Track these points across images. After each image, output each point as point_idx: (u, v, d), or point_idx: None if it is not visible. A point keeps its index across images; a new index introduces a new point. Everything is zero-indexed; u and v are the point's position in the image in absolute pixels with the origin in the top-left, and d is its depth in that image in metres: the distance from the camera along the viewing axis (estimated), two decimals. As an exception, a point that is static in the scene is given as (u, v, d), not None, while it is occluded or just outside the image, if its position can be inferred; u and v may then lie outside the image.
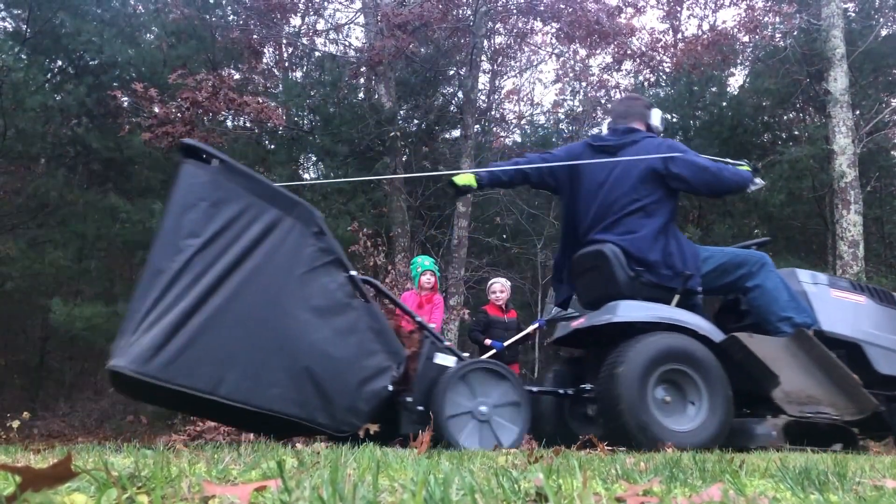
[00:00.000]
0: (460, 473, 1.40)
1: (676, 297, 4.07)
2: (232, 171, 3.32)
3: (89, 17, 12.27)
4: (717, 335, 3.98)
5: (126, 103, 12.13)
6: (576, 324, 4.22)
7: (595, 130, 19.12)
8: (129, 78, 12.12)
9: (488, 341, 6.76)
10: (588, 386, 4.07)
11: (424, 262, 6.91)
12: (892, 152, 14.24)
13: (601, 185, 4.24)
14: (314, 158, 13.76)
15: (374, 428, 3.32)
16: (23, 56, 11.91)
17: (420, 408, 3.53)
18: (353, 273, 3.47)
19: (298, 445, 3.21)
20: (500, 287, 7.20)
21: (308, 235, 3.45)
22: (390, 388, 3.35)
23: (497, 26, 14.81)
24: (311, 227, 3.46)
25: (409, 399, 3.55)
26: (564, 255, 4.54)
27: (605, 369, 3.77)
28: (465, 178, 4.30)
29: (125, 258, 14.49)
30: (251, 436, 4.78)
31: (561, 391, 4.19)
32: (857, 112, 11.96)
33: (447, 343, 3.79)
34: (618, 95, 18.39)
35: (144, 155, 12.05)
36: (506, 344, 6.68)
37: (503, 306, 7.10)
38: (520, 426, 3.57)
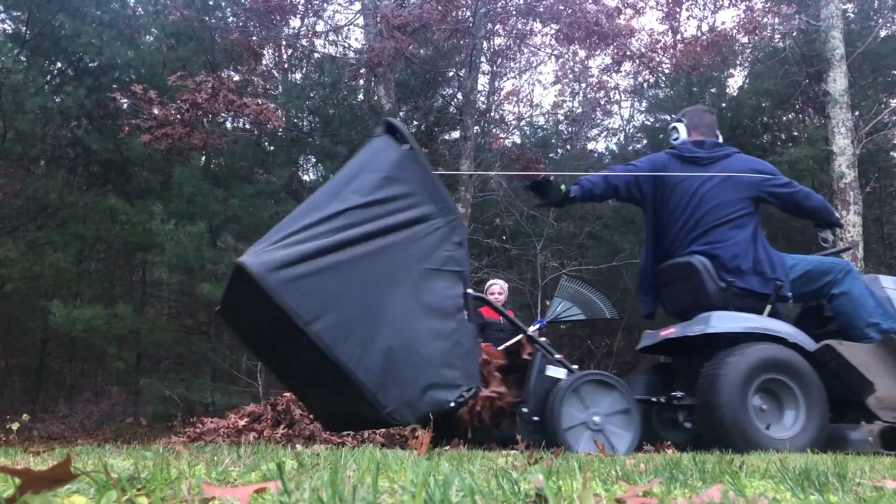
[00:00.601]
0: (460, 475, 1.40)
1: (769, 307, 4.20)
2: (415, 161, 3.73)
3: (89, 18, 12.28)
4: (809, 344, 4.10)
5: (126, 105, 12.14)
6: (665, 333, 4.32)
7: (595, 132, 19.17)
8: (129, 80, 12.13)
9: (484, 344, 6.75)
10: (679, 394, 4.17)
11: None
12: (891, 153, 14.25)
13: (692, 198, 4.36)
14: (314, 160, 13.76)
15: (419, 430, 3.46)
16: (22, 58, 11.91)
17: (535, 418, 3.73)
18: (469, 292, 3.65)
19: (298, 447, 3.21)
20: (498, 289, 7.15)
21: (449, 241, 3.71)
22: (452, 404, 3.43)
23: (496, 28, 14.83)
24: (455, 236, 3.73)
25: (524, 410, 3.75)
26: (650, 266, 4.66)
27: (705, 378, 3.89)
28: (557, 187, 4.40)
29: (125, 260, 14.50)
30: (251, 437, 4.78)
31: (653, 399, 4.29)
32: (857, 113, 11.97)
33: (558, 356, 3.94)
34: (617, 96, 18.43)
35: (144, 157, 12.06)
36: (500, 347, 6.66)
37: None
38: (632, 432, 3.71)
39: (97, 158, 12.98)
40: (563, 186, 4.40)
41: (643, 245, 4.82)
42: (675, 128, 4.73)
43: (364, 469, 1.63)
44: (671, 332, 4.26)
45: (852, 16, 13.06)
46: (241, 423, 5.32)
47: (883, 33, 12.85)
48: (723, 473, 1.80)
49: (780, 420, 3.91)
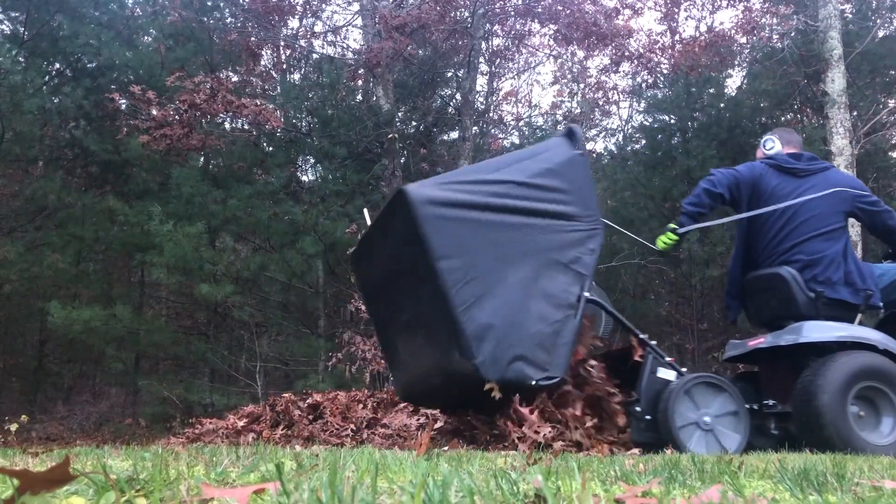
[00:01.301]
0: (459, 475, 1.40)
1: (859, 316, 4.34)
2: (581, 166, 4.21)
3: (87, 19, 12.28)
4: None
5: (124, 106, 12.14)
6: (754, 343, 4.40)
7: (594, 132, 19.18)
8: (127, 80, 12.13)
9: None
10: (771, 402, 4.28)
11: None
12: (889, 153, 14.26)
13: (787, 208, 4.50)
14: (312, 160, 13.76)
15: (496, 392, 3.59)
16: (20, 59, 11.91)
17: (647, 417, 3.94)
18: (586, 294, 3.94)
19: (297, 448, 3.21)
20: None
21: (584, 245, 4.07)
22: (534, 383, 3.67)
23: (495, 28, 14.83)
24: (591, 243, 4.07)
25: (637, 409, 3.94)
26: (739, 273, 4.76)
27: (803, 387, 4.00)
28: (665, 238, 4.60)
29: (123, 261, 14.50)
30: (250, 438, 4.78)
31: (746, 406, 4.37)
32: (855, 113, 11.97)
33: (668, 359, 4.16)
34: (615, 97, 18.44)
35: (142, 157, 12.05)
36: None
37: None
38: (741, 433, 3.90)
39: (95, 159, 12.97)
40: (671, 226, 4.62)
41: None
42: (770, 139, 4.91)
43: (363, 470, 1.63)
44: (761, 341, 4.36)
45: (850, 16, 13.06)
46: (240, 423, 5.32)
47: (881, 34, 12.86)
48: (722, 474, 1.80)
49: (878, 427, 4.03)
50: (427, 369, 4.18)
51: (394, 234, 4.17)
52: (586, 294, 3.93)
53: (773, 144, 4.83)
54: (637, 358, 4.12)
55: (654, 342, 4.22)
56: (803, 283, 4.30)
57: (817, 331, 4.16)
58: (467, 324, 3.63)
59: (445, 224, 3.77)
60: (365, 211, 6.96)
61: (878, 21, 13.03)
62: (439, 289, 3.68)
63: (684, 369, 4.16)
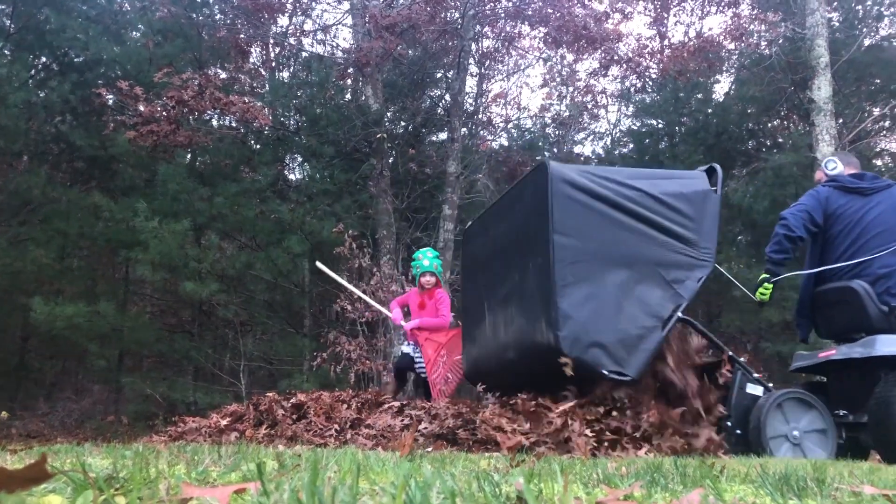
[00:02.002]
0: (442, 477, 1.40)
1: None
2: (713, 203, 4.57)
3: (74, 13, 12.20)
4: None
5: (111, 101, 12.05)
6: (825, 355, 4.53)
7: (582, 135, 19.21)
8: (115, 76, 12.05)
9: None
10: (842, 412, 4.42)
11: (424, 260, 6.66)
12: (873, 161, 14.37)
13: (856, 225, 4.66)
14: (300, 159, 13.72)
15: (568, 369, 3.89)
16: (6, 52, 11.81)
17: (738, 431, 4.15)
18: (679, 315, 4.21)
19: (280, 448, 3.20)
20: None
21: (691, 272, 4.40)
22: (606, 373, 3.93)
23: (485, 30, 14.83)
24: (698, 273, 4.40)
25: (729, 423, 4.16)
26: (810, 292, 4.90)
27: (879, 398, 4.13)
28: (762, 290, 4.75)
29: (108, 257, 14.39)
30: (233, 437, 4.76)
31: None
32: (841, 120, 12.07)
33: (756, 375, 4.36)
34: (604, 100, 18.49)
35: (129, 153, 11.97)
36: None
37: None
38: (827, 451, 4.07)
39: (81, 154, 12.88)
40: (763, 276, 4.79)
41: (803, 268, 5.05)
42: (831, 160, 5.03)
43: (345, 470, 1.63)
44: (832, 353, 4.48)
45: (837, 24, 13.17)
46: (223, 422, 5.29)
47: (867, 42, 12.97)
48: (703, 478, 1.80)
49: None
50: (507, 342, 4.52)
51: (521, 206, 4.54)
52: (679, 314, 4.17)
53: (835, 165, 4.97)
54: (726, 373, 4.31)
55: (742, 358, 4.42)
56: (875, 297, 4.42)
57: (890, 344, 4.27)
58: (561, 299, 3.94)
59: (572, 204, 4.11)
60: (318, 263, 7.72)
61: (865, 30, 13.14)
62: (546, 262, 4.01)
63: (771, 384, 4.36)
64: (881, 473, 2.46)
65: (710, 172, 4.78)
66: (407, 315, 6.83)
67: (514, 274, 4.57)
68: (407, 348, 6.75)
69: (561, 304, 3.94)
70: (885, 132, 14.84)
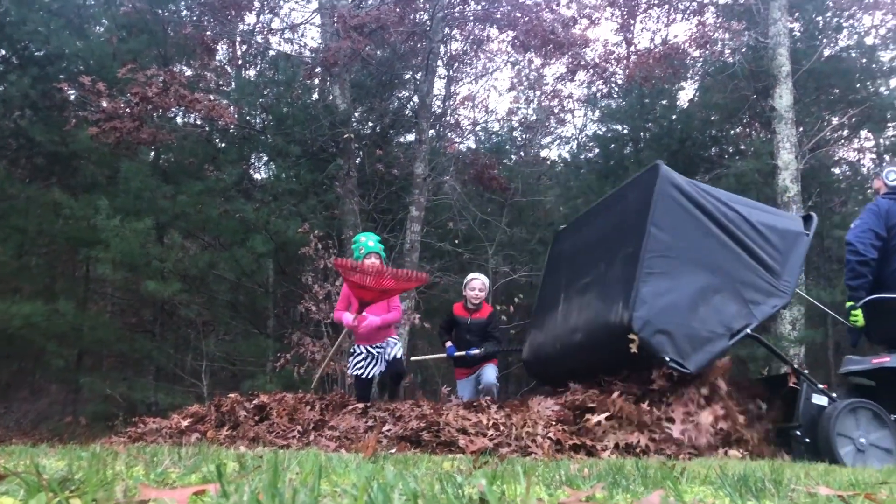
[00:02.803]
0: (404, 478, 1.39)
1: None
2: (802, 244, 4.93)
3: (36, 6, 11.94)
4: None
5: (73, 96, 11.83)
6: (878, 361, 4.77)
7: (548, 139, 19.34)
8: (77, 71, 11.82)
9: (448, 344, 6.53)
10: (894, 416, 4.61)
11: (368, 241, 5.97)
12: (832, 169, 14.67)
13: None
14: (265, 158, 13.60)
15: (634, 346, 4.23)
16: (-36, 44, 11.54)
17: (807, 440, 4.39)
18: (748, 332, 4.57)
19: (242, 449, 3.16)
20: (479, 285, 6.59)
21: (768, 298, 4.68)
22: (668, 359, 4.27)
23: (453, 32, 14.85)
24: (774, 301, 4.72)
25: (797, 433, 4.42)
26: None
27: None
28: (853, 316, 4.98)
29: (68, 255, 14.13)
30: (193, 438, 4.70)
31: None
32: (801, 129, 12.30)
33: (821, 386, 4.61)
34: (570, 105, 18.63)
35: (90, 150, 11.76)
36: (457, 354, 6.44)
37: (474, 306, 6.57)
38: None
39: (41, 150, 12.62)
40: (849, 304, 5.03)
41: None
42: (891, 171, 5.24)
43: (307, 472, 1.61)
44: (886, 360, 4.72)
45: (798, 35, 13.42)
46: (184, 423, 5.22)
47: (827, 52, 13.23)
48: (664, 479, 1.82)
49: None
50: (577, 325, 4.95)
51: (622, 204, 5.01)
52: (748, 331, 4.51)
53: (895, 176, 5.19)
54: (792, 385, 4.57)
55: (806, 371, 4.76)
56: None
57: None
58: (643, 284, 4.32)
59: (674, 205, 4.55)
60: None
61: (825, 41, 13.41)
62: (637, 251, 4.38)
63: (834, 394, 4.61)
64: (836, 475, 2.51)
65: (807, 219, 5.24)
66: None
67: (599, 264, 4.98)
68: (358, 366, 5.85)
69: (642, 289, 4.31)
70: (843, 141, 15.15)
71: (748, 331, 4.52)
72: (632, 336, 4.21)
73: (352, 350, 6.01)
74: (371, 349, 5.83)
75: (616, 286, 4.58)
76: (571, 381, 4.79)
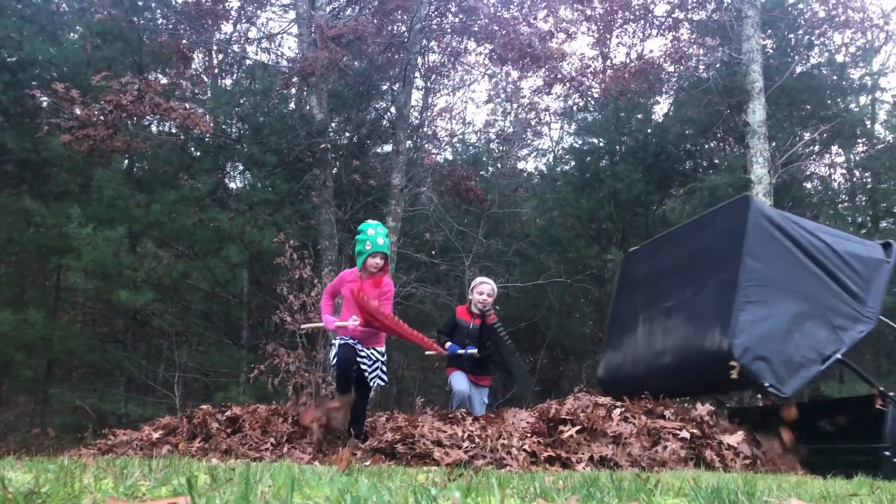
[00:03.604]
0: (378, 491, 1.38)
1: None
2: (884, 271, 5.14)
3: (8, 11, 11.81)
4: None
5: (45, 103, 11.70)
6: None
7: (525, 151, 19.45)
8: (50, 77, 11.70)
9: (448, 344, 6.15)
10: None
11: (377, 238, 5.22)
12: (804, 184, 14.88)
13: None
14: (241, 167, 13.53)
15: (734, 372, 4.45)
16: (-66, 49, 11.37)
17: (895, 460, 4.49)
18: (839, 356, 4.78)
19: (214, 461, 3.13)
20: (489, 290, 6.24)
21: (855, 324, 4.90)
22: (766, 385, 4.53)
23: (431, 44, 14.91)
24: (861, 327, 4.89)
25: (886, 453, 4.52)
26: None
27: None
28: None
29: (38, 264, 13.91)
30: (165, 450, 4.64)
31: None
32: (774, 144, 12.47)
33: None
34: (547, 118, 18.76)
35: (63, 157, 11.62)
36: (460, 352, 6.09)
37: (479, 311, 6.20)
38: None
39: (12, 157, 12.44)
40: None
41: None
42: None
43: (279, 485, 1.59)
44: None
45: (771, 51, 13.63)
46: (156, 435, 5.15)
47: (799, 69, 13.44)
48: (638, 491, 1.82)
49: None
50: (664, 348, 5.14)
51: (709, 232, 5.24)
52: (838, 356, 4.72)
53: None
54: (879, 406, 4.70)
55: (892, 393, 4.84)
56: None
57: None
58: (741, 313, 4.52)
59: (767, 237, 4.77)
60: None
61: (797, 57, 13.62)
62: (732, 279, 4.60)
63: None
64: (808, 486, 2.53)
65: (886, 246, 5.45)
66: (337, 310, 5.55)
67: (685, 289, 5.19)
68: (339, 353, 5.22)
69: (740, 317, 4.51)
70: (814, 156, 15.39)
71: (838, 356, 4.76)
72: (732, 363, 4.45)
73: (333, 342, 5.41)
74: (354, 345, 5.13)
75: (709, 312, 4.82)
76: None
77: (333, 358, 5.23)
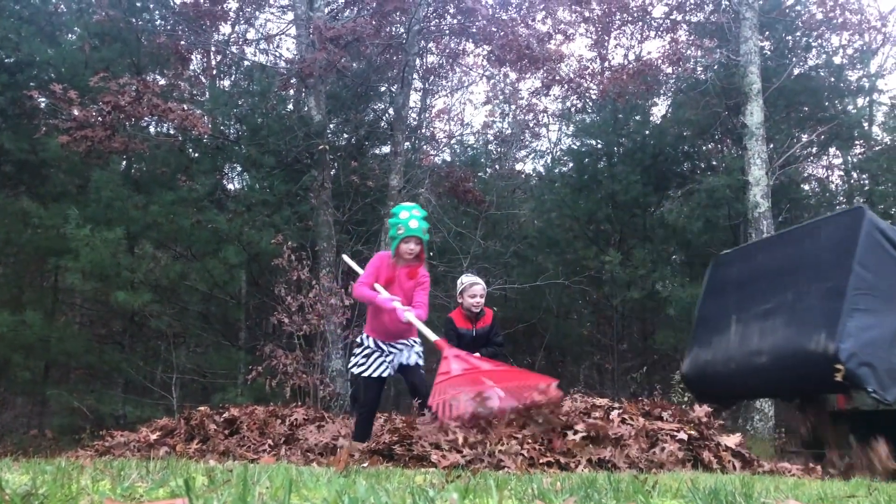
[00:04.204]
0: (375, 492, 1.38)
1: None
2: None
3: (6, 12, 11.80)
4: None
5: (43, 104, 11.69)
6: None
7: (523, 153, 19.47)
8: (48, 78, 11.68)
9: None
10: None
11: (411, 221, 4.74)
12: (801, 185, 14.91)
13: None
14: (239, 168, 13.53)
15: (839, 375, 4.61)
16: (-68, 50, 11.35)
17: None
18: None
19: (212, 462, 3.12)
20: (481, 290, 5.88)
21: None
22: (870, 390, 4.65)
23: (429, 46, 14.92)
24: None
25: None
26: None
27: None
28: None
29: (36, 265, 13.90)
30: (162, 451, 4.63)
31: None
32: (771, 145, 12.49)
33: None
34: (546, 119, 18.78)
35: (61, 158, 11.61)
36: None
37: (474, 314, 5.86)
38: None
39: (10, 158, 12.43)
40: None
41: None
42: None
43: (277, 486, 1.59)
44: None
45: (769, 53, 13.65)
46: (153, 437, 5.15)
47: (796, 71, 13.47)
48: (636, 493, 1.82)
49: None
50: (761, 348, 5.31)
51: (813, 240, 5.45)
52: None
53: None
54: None
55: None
56: None
57: None
58: (848, 319, 4.68)
59: (877, 248, 4.93)
60: (344, 256, 6.09)
61: (794, 59, 13.65)
62: (839, 286, 4.79)
63: None
64: (805, 488, 2.53)
65: None
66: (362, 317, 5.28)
67: (785, 293, 5.36)
68: (360, 362, 4.78)
69: (848, 323, 4.67)
70: (812, 158, 15.42)
71: None
72: (837, 366, 4.60)
73: (358, 340, 4.98)
74: (382, 345, 4.76)
75: (813, 317, 4.99)
76: (745, 400, 5.17)
77: (352, 363, 4.85)
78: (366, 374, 4.72)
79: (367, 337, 4.83)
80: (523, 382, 4.25)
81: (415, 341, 4.87)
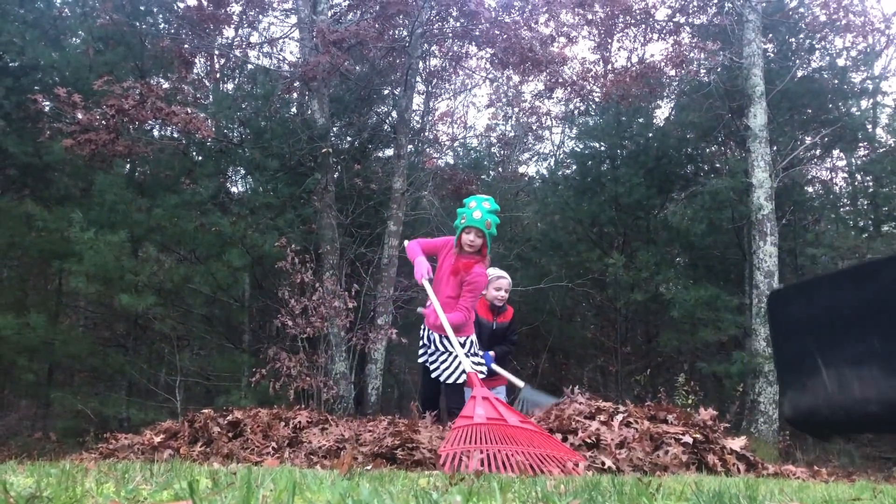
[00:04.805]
0: (379, 495, 1.38)
1: None
2: None
3: (11, 16, 11.84)
4: None
5: (48, 108, 11.72)
6: None
7: (526, 156, 19.48)
8: (52, 82, 11.71)
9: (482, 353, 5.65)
10: None
11: (474, 213, 4.67)
12: (805, 188, 14.88)
13: None
14: (243, 172, 13.55)
15: None
16: (-63, 54, 11.39)
17: None
18: None
19: (216, 465, 3.12)
20: (506, 284, 6.00)
21: None
22: None
23: (433, 48, 14.95)
24: None
25: None
26: None
27: None
28: None
29: (40, 268, 13.94)
30: (166, 454, 4.63)
31: None
32: (775, 148, 12.47)
33: None
34: (548, 122, 18.79)
35: (65, 162, 11.65)
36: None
37: (497, 309, 6.01)
38: None
39: (14, 161, 12.46)
40: None
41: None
42: None
43: (281, 489, 1.59)
44: None
45: (772, 55, 13.64)
46: (157, 439, 5.15)
47: (800, 73, 13.45)
48: (640, 496, 1.82)
49: None
50: (867, 397, 5.26)
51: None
52: None
53: None
54: None
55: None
56: None
57: None
58: None
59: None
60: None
61: (798, 62, 13.63)
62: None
63: None
64: (810, 491, 2.53)
65: None
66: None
67: (870, 337, 5.16)
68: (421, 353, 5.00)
69: None
70: (816, 160, 15.40)
71: None
72: None
73: (421, 332, 5.09)
74: (426, 337, 4.84)
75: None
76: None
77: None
78: (420, 361, 5.02)
79: (426, 328, 4.99)
80: (549, 452, 3.79)
81: (462, 353, 4.67)
